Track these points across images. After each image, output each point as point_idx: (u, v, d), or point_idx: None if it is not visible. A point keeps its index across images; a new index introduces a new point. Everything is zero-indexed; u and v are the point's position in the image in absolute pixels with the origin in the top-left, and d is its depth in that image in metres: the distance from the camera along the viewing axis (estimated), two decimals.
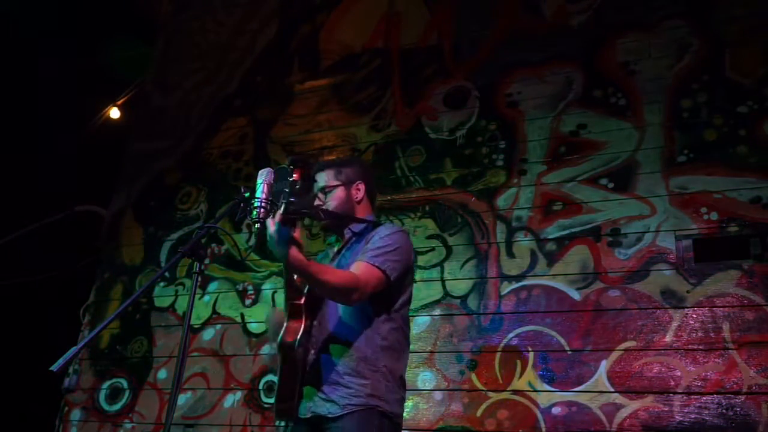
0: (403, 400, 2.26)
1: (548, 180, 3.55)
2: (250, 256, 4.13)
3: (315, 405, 2.17)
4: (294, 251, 2.02)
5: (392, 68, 4.27)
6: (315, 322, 2.27)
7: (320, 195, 2.41)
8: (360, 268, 2.18)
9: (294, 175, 1.97)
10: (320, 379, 2.19)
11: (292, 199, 1.92)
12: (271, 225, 1.98)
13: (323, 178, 2.42)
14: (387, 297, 2.26)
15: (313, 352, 2.23)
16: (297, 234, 2.04)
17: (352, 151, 4.15)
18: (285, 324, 2.23)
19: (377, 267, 2.18)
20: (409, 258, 2.32)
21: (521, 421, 3.14)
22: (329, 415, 2.13)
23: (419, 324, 3.50)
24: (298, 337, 2.18)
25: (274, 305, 3.92)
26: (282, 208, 1.94)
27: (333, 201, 2.38)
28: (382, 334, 2.23)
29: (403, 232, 2.35)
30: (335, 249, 2.47)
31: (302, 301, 2.24)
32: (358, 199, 2.42)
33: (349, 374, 2.16)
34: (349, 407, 2.12)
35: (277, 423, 2.29)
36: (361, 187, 2.43)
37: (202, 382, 3.94)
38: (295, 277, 2.27)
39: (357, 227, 2.41)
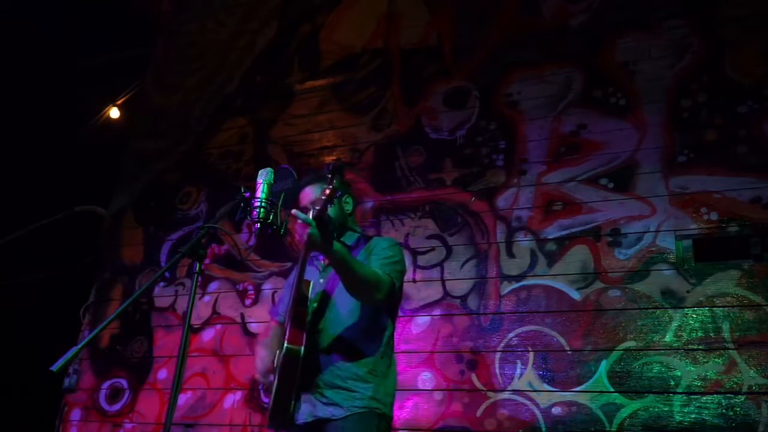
0: (393, 403, 2.34)
1: (548, 180, 3.55)
2: (250, 256, 4.13)
3: (316, 409, 2.20)
4: (333, 241, 2.08)
5: (392, 68, 4.27)
6: (319, 328, 2.31)
7: (315, 207, 2.41)
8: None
9: (334, 182, 2.01)
10: (322, 384, 2.23)
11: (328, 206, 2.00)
12: (305, 232, 2.03)
13: (313, 192, 2.45)
14: (390, 305, 2.37)
15: (315, 357, 2.26)
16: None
17: (352, 151, 4.15)
18: (287, 329, 2.24)
19: (388, 274, 2.28)
20: (405, 269, 2.46)
21: (521, 421, 3.14)
22: (332, 418, 2.17)
23: (419, 324, 3.51)
24: (304, 343, 2.20)
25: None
26: (313, 214, 2.00)
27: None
28: (383, 340, 2.33)
29: (400, 244, 2.50)
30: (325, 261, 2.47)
31: (306, 307, 2.28)
32: (349, 211, 2.51)
33: (353, 379, 2.22)
34: (352, 409, 2.18)
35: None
36: (349, 200, 2.53)
37: (202, 382, 3.94)
38: (313, 283, 2.33)
39: (350, 240, 2.46)
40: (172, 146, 4.84)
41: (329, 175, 2.01)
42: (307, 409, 2.21)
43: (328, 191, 1.99)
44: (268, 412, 2.24)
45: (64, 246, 4.83)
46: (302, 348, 2.19)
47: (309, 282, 2.37)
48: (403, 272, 2.40)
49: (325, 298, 2.36)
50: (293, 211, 2.05)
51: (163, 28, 5.38)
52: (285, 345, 2.19)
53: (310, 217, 2.01)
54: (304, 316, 2.26)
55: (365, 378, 2.23)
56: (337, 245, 2.09)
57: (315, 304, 2.35)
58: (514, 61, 3.89)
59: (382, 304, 2.29)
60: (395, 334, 2.47)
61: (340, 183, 2.02)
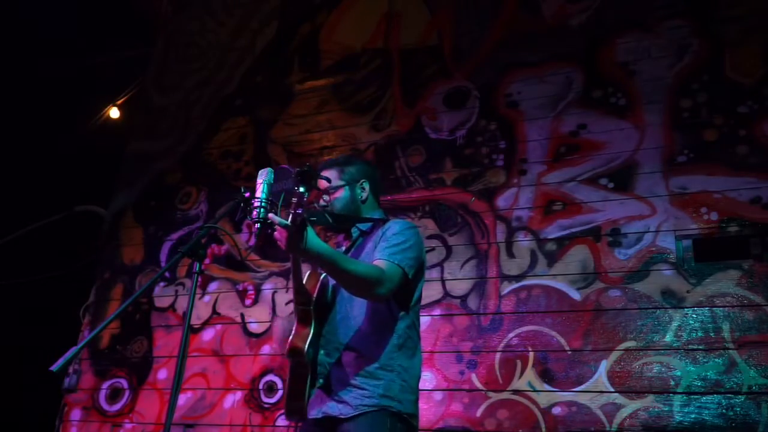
0: (417, 400, 2.22)
1: (548, 180, 3.55)
2: (250, 256, 4.13)
3: (327, 406, 2.15)
4: (314, 243, 1.99)
5: (392, 68, 4.27)
6: (326, 325, 2.25)
7: (324, 197, 2.39)
8: (381, 265, 2.15)
9: (301, 188, 1.92)
10: (332, 381, 2.17)
11: (299, 211, 1.89)
12: (283, 237, 1.96)
13: (330, 177, 2.38)
14: (404, 294, 2.24)
15: (324, 354, 2.21)
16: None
17: (352, 151, 4.15)
18: (294, 329, 2.22)
19: (396, 264, 2.16)
20: (422, 254, 2.32)
21: (521, 421, 3.14)
22: (341, 416, 2.11)
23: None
24: (308, 341, 2.17)
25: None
26: (290, 218, 1.91)
27: (338, 202, 2.37)
28: (398, 332, 2.21)
29: (415, 227, 2.33)
30: (342, 248, 2.44)
31: (311, 305, 2.23)
32: (363, 198, 2.41)
33: (363, 375, 2.14)
34: (361, 408, 2.09)
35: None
36: (366, 185, 2.42)
37: (202, 382, 3.94)
38: (304, 279, 2.27)
39: (365, 226, 2.39)
40: (172, 146, 4.84)
41: (298, 178, 1.93)
42: (316, 406, 2.16)
43: (295, 199, 1.90)
44: (285, 402, 2.20)
45: (64, 246, 4.83)
46: (306, 346, 2.16)
47: (318, 275, 2.30)
48: (417, 258, 2.23)
49: (335, 291, 2.30)
50: (269, 215, 1.98)
51: (163, 28, 5.38)
52: (288, 346, 2.18)
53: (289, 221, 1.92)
54: (307, 314, 2.22)
55: (375, 374, 2.13)
56: (320, 248, 2.00)
57: (329, 296, 2.29)
58: (514, 61, 3.89)
59: (389, 298, 2.18)
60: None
61: (309, 188, 1.92)
